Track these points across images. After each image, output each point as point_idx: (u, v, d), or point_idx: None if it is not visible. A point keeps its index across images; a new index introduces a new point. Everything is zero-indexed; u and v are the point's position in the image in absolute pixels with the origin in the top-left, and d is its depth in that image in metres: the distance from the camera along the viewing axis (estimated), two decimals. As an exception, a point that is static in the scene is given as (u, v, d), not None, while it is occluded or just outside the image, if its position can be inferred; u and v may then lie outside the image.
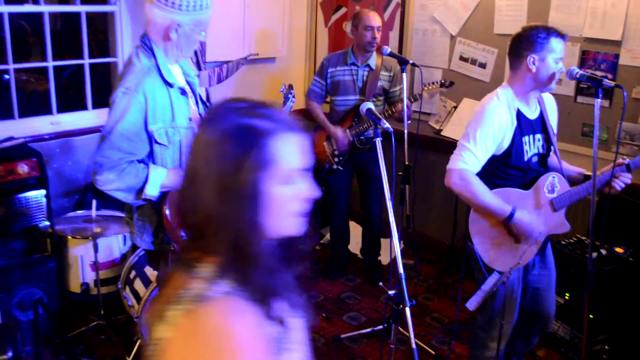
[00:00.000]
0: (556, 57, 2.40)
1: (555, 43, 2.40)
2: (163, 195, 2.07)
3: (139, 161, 2.05)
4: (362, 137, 3.83)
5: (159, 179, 2.03)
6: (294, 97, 2.82)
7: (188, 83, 2.26)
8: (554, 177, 2.55)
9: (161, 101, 2.05)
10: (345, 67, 3.83)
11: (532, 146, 2.52)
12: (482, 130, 2.37)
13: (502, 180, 2.49)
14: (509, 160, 2.46)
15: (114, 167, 1.97)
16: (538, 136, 2.55)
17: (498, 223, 2.48)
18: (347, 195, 4.10)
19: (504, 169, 2.49)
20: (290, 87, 2.91)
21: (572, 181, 2.63)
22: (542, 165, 2.60)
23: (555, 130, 2.66)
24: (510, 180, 2.50)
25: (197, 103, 2.29)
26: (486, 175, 2.45)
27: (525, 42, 2.44)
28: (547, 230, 2.58)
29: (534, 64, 2.41)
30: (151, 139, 2.05)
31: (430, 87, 3.70)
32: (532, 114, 2.53)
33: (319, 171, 4.02)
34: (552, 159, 2.67)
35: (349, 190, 4.10)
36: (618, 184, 2.50)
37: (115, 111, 1.99)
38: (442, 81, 3.71)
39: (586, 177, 2.63)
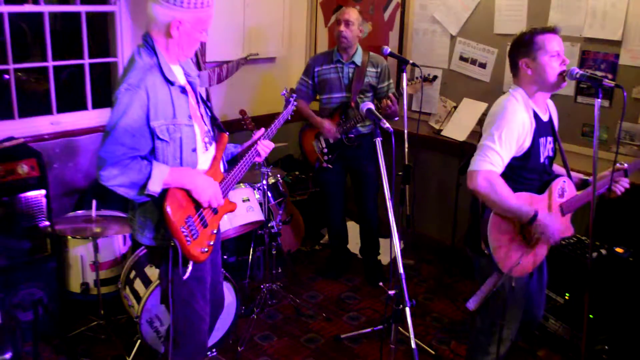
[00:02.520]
0: (547, 53, 2.36)
1: (541, 40, 2.36)
2: (164, 192, 2.08)
3: (142, 158, 2.08)
4: (350, 135, 3.84)
5: (162, 176, 2.06)
6: (295, 100, 2.82)
7: (189, 83, 2.28)
8: (564, 181, 2.52)
9: (162, 98, 2.08)
10: (331, 65, 3.85)
11: (544, 148, 2.49)
12: (508, 130, 2.30)
13: (518, 184, 2.41)
14: (527, 163, 2.41)
15: (118, 162, 2.00)
16: (549, 139, 2.52)
17: (513, 225, 2.41)
18: (341, 194, 4.10)
19: (520, 172, 2.43)
20: (292, 90, 2.93)
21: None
22: (551, 168, 2.59)
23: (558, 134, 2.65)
24: (525, 184, 2.44)
25: (197, 102, 2.30)
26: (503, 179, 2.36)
27: (514, 49, 2.45)
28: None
29: (527, 67, 2.40)
30: (153, 135, 2.08)
31: (414, 83, 3.70)
32: (544, 116, 2.51)
33: (309, 170, 4.03)
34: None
35: (343, 189, 4.10)
36: (618, 189, 2.52)
37: (118, 107, 2.01)
38: (427, 75, 3.71)
39: (584, 182, 2.65)
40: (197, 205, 2.21)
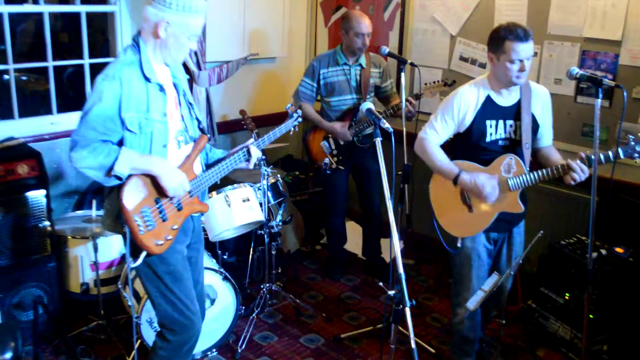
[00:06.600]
0: (509, 58, 2.52)
1: (509, 45, 2.51)
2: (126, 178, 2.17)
3: (114, 145, 2.17)
4: (361, 136, 3.83)
5: (130, 159, 2.13)
6: (300, 116, 2.78)
7: (174, 85, 2.36)
8: (511, 158, 2.67)
9: (136, 92, 2.17)
10: (337, 67, 3.83)
11: (498, 130, 2.70)
12: (445, 109, 2.76)
13: (464, 156, 2.76)
14: (469, 139, 2.72)
15: (87, 145, 2.10)
16: (510, 122, 2.71)
17: (454, 189, 2.76)
18: (345, 194, 4.10)
19: (464, 147, 2.76)
20: (299, 107, 2.93)
21: (544, 166, 2.68)
22: (512, 150, 2.72)
23: (541, 120, 2.74)
24: (471, 157, 2.74)
25: (179, 103, 2.36)
26: (455, 151, 2.79)
27: (489, 39, 2.64)
28: (499, 207, 2.70)
29: (492, 61, 2.64)
30: (123, 125, 2.16)
31: (433, 86, 3.68)
32: (505, 101, 2.70)
33: (310, 170, 4.01)
34: (546, 149, 2.81)
35: (347, 189, 4.10)
36: (573, 176, 2.53)
37: (93, 94, 2.14)
38: (445, 80, 3.68)
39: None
40: (158, 198, 2.24)
